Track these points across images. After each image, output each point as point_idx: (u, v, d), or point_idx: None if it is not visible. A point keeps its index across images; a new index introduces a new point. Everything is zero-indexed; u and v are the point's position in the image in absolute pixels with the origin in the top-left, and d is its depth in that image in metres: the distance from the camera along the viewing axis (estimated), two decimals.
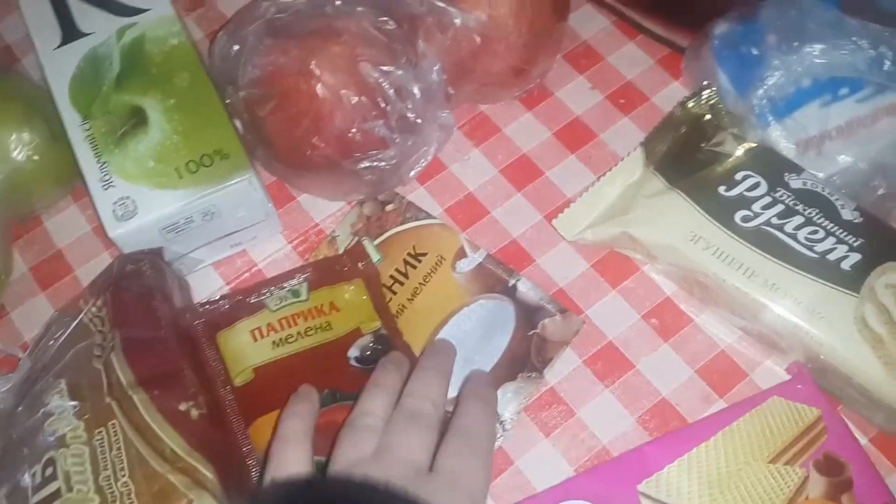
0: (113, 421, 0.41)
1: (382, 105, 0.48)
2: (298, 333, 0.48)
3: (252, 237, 0.53)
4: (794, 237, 0.47)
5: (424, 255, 0.52)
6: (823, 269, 0.46)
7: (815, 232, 0.47)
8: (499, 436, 0.48)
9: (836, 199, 0.48)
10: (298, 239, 0.54)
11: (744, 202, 0.48)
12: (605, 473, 0.45)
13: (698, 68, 0.56)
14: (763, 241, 0.47)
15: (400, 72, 0.48)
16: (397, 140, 0.48)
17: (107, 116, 0.49)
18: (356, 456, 0.39)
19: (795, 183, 0.48)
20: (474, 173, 0.56)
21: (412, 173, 0.51)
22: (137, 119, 0.49)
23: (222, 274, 0.53)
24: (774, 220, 0.47)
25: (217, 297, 0.49)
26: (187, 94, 0.50)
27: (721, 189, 0.49)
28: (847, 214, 0.47)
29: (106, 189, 0.47)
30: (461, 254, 0.52)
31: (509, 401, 0.48)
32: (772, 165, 0.49)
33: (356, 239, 0.53)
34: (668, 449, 0.45)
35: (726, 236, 0.47)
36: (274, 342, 0.48)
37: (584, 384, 0.49)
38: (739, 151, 0.50)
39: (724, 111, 0.52)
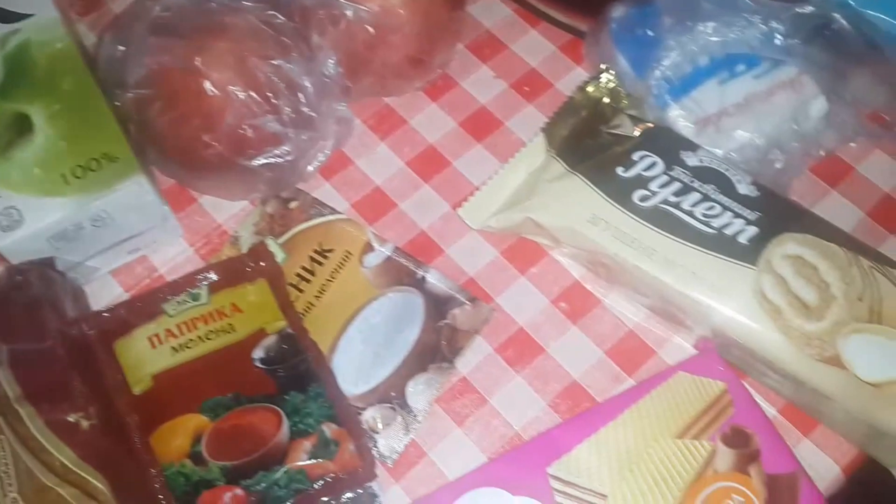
0: (1, 436, 0.39)
1: (274, 100, 0.47)
2: (199, 337, 0.47)
3: (151, 242, 0.51)
4: (691, 214, 0.47)
5: (331, 251, 0.51)
6: (721, 243, 0.46)
7: (712, 208, 0.47)
8: (412, 428, 0.47)
9: (733, 175, 0.48)
10: (201, 241, 0.53)
11: (641, 182, 0.48)
12: (514, 459, 0.45)
13: (598, 52, 0.56)
14: (661, 219, 0.47)
15: (290, 66, 0.47)
16: (291, 135, 0.47)
17: None
18: None
19: (692, 160, 0.49)
20: (381, 167, 0.55)
21: (310, 168, 0.51)
22: (22, 127, 0.47)
23: (122, 282, 0.52)
24: (671, 198, 0.48)
25: (113, 306, 0.48)
26: (73, 98, 0.48)
27: (619, 170, 0.49)
28: (743, 189, 0.48)
29: None
30: (368, 248, 0.51)
31: (421, 392, 0.48)
32: (668, 144, 0.49)
33: (260, 238, 0.52)
34: (576, 430, 0.44)
35: (625, 216, 0.47)
36: (173, 348, 0.46)
37: (496, 371, 0.49)
38: (637, 132, 0.50)
39: (622, 93, 0.53)
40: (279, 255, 0.50)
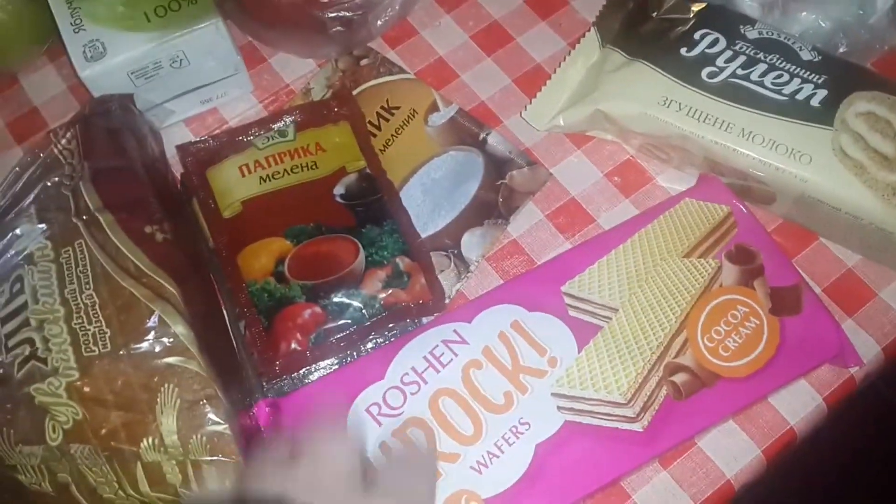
0: (79, 240, 0.42)
1: None
2: (285, 170, 0.49)
3: (223, 94, 0.54)
4: (761, 84, 0.48)
5: (398, 108, 0.53)
6: (795, 109, 0.47)
7: (780, 76, 0.48)
8: (462, 277, 0.49)
9: (794, 43, 0.49)
10: (269, 99, 0.55)
11: (707, 59, 0.49)
12: (530, 279, 0.47)
13: None
14: (732, 92, 0.48)
15: None
16: None
17: None
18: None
19: (752, 34, 0.49)
20: (445, 38, 0.57)
21: (379, 24, 0.52)
22: None
23: (194, 130, 0.54)
24: (739, 71, 0.48)
25: (206, 137, 0.50)
26: None
27: (682, 51, 0.49)
28: (806, 55, 0.48)
29: (76, 32, 0.48)
30: (433, 108, 0.53)
31: (475, 244, 0.50)
32: (727, 20, 0.50)
33: (331, 91, 0.54)
34: (588, 253, 0.47)
35: (697, 95, 0.48)
36: (261, 178, 0.49)
37: (546, 237, 0.51)
38: (691, 13, 0.50)
39: None
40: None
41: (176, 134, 0.54)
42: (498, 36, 0.57)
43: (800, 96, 0.47)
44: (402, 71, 0.54)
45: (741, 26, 0.49)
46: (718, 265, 0.46)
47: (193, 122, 0.54)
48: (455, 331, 0.45)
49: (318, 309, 0.45)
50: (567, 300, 0.45)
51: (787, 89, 0.47)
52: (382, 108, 0.53)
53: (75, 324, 0.40)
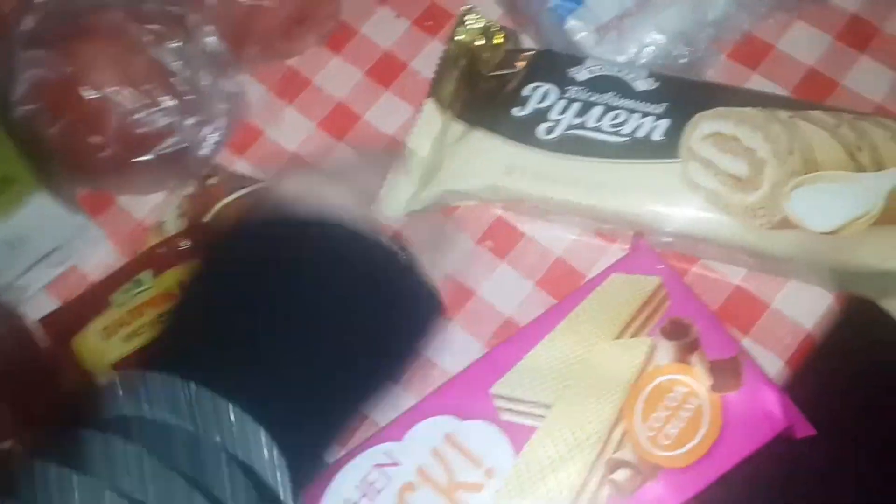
0: None
1: (154, 92, 0.46)
2: (150, 322, 0.47)
3: (77, 251, 0.52)
4: (598, 129, 0.46)
5: None
6: (637, 148, 0.45)
7: (617, 116, 0.46)
8: None
9: (627, 75, 0.47)
10: (126, 240, 0.53)
11: (540, 115, 0.47)
12: (457, 385, 0.45)
13: None
14: (572, 145, 0.46)
15: (165, 53, 0.46)
16: (178, 123, 0.47)
17: None
18: None
19: (582, 75, 0.47)
20: (292, 132, 0.55)
21: (209, 150, 0.50)
22: None
23: (58, 294, 0.52)
24: (575, 121, 0.46)
25: (63, 305, 0.49)
26: None
27: (514, 111, 0.47)
28: (642, 85, 0.46)
29: None
30: None
31: None
32: (555, 66, 0.48)
33: (186, 220, 0.52)
34: (516, 348, 0.45)
35: (537, 156, 0.46)
36: (125, 336, 0.47)
37: None
38: (520, 65, 0.48)
39: (493, 29, 0.51)
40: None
41: (39, 304, 0.52)
42: (345, 117, 0.55)
43: (640, 133, 0.45)
44: (253, 181, 0.52)
45: (570, 70, 0.47)
46: (653, 343, 0.43)
47: (55, 286, 0.53)
48: (386, 453, 0.43)
49: None
50: (498, 402, 0.43)
51: (626, 129, 0.45)
52: None
53: None
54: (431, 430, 0.43)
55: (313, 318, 0.35)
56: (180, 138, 0.47)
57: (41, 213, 0.47)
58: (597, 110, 0.46)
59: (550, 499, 0.41)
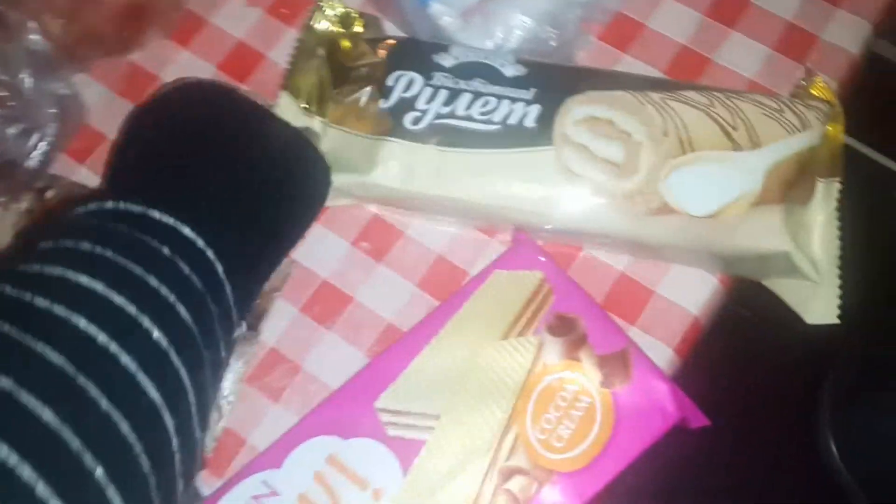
0: None
1: None
2: None
3: None
4: (469, 118, 0.43)
5: None
6: (510, 135, 0.43)
7: (487, 103, 0.43)
8: (223, 413, 0.44)
9: (494, 61, 0.45)
10: None
11: (406, 104, 0.44)
12: (341, 399, 0.42)
13: None
14: (442, 135, 0.43)
15: None
16: (1, 133, 0.41)
17: None
18: None
19: (448, 61, 0.44)
20: None
21: (38, 160, 0.45)
22: None
23: None
24: (443, 110, 0.43)
25: None
26: None
27: (381, 103, 0.44)
28: (510, 71, 0.44)
29: None
30: None
31: (227, 372, 0.44)
32: (418, 54, 0.45)
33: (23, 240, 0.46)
34: (398, 357, 0.42)
35: (406, 146, 0.43)
36: None
37: (305, 333, 0.46)
38: (382, 55, 0.45)
39: (353, 16, 0.47)
40: None
41: None
42: None
43: (512, 120, 0.43)
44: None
45: (434, 56, 0.45)
46: (540, 341, 0.41)
47: None
48: (264, 482, 0.40)
49: None
50: (383, 416, 0.40)
51: (497, 116, 0.43)
52: None
53: None
54: (312, 452, 0.40)
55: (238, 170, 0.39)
56: (2, 150, 0.42)
57: None
58: (465, 97, 0.43)
59: None
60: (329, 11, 0.47)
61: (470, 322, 0.42)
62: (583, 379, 0.41)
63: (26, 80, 0.42)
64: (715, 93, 0.44)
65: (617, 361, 0.41)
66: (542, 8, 0.47)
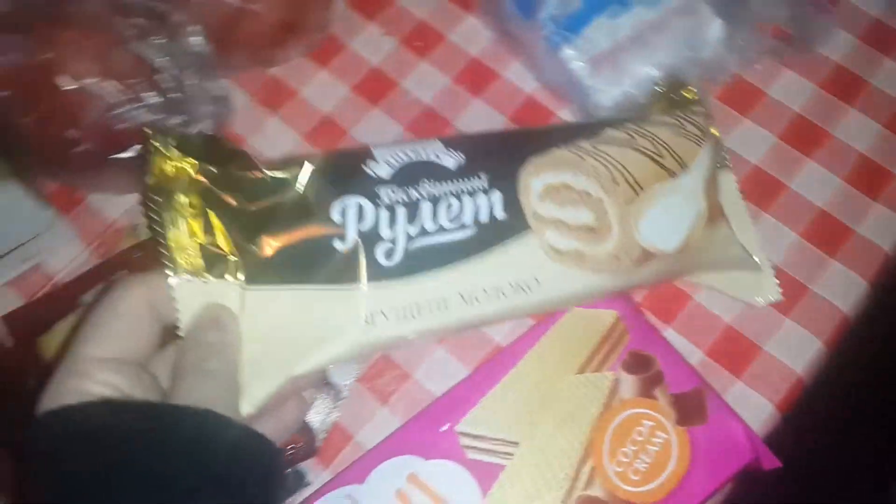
0: None
1: (136, 87, 0.44)
2: None
3: (43, 249, 0.49)
4: (441, 230, 0.37)
5: None
6: (487, 235, 0.38)
7: (450, 206, 0.37)
8: (335, 406, 0.46)
9: (428, 153, 0.39)
10: (96, 241, 0.50)
11: (370, 239, 0.36)
12: (423, 422, 0.43)
13: None
14: (423, 259, 0.36)
15: (149, 48, 0.44)
16: (161, 121, 0.45)
17: None
18: None
19: (383, 170, 0.37)
20: (275, 142, 0.53)
21: None
22: None
23: (21, 292, 0.49)
24: (411, 230, 0.36)
25: (27, 304, 0.47)
26: None
27: (336, 245, 0.35)
28: (449, 161, 0.38)
29: None
30: None
31: (344, 367, 0.46)
32: (345, 171, 0.37)
33: None
34: (478, 384, 0.43)
35: (392, 290, 0.36)
36: None
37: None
38: (305, 184, 0.36)
39: (220, 143, 0.37)
40: None
41: (1, 300, 0.49)
42: (330, 131, 0.53)
43: (482, 216, 0.37)
44: None
45: (364, 167, 0.37)
46: (615, 377, 0.43)
47: (17, 283, 0.49)
48: (349, 496, 0.41)
49: None
50: (463, 440, 0.42)
51: (467, 217, 0.37)
52: None
53: None
54: (395, 470, 0.42)
55: None
56: None
57: (9, 204, 0.45)
58: (426, 207, 0.37)
59: None
60: (168, 149, 0.34)
61: (546, 356, 0.44)
62: (659, 416, 0.42)
63: (188, 76, 0.46)
64: (626, 124, 0.43)
65: (692, 400, 0.43)
66: (668, 62, 0.49)
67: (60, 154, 0.45)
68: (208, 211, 0.34)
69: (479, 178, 0.38)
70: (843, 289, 0.48)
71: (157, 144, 0.34)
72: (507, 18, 0.51)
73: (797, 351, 0.47)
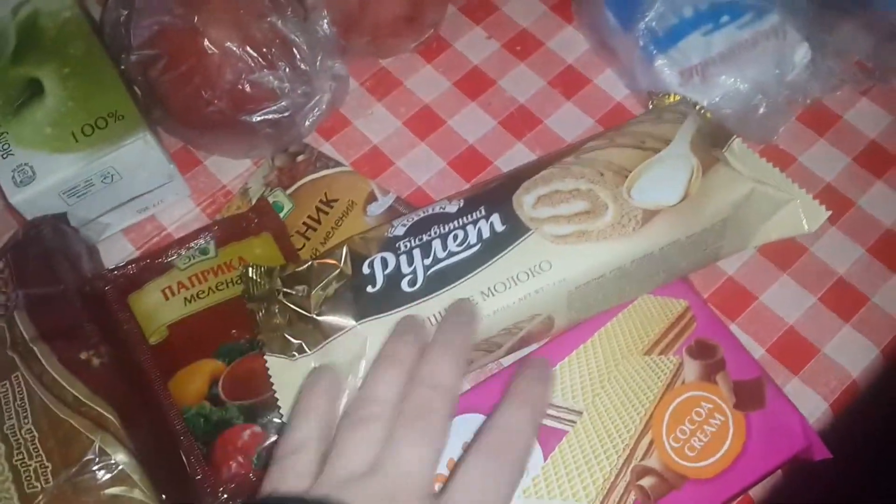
0: (16, 373, 0.41)
1: (270, 56, 0.49)
2: (210, 289, 0.49)
3: (159, 201, 0.54)
4: (451, 254, 0.44)
5: (336, 200, 0.53)
6: (494, 245, 0.43)
7: (456, 237, 0.44)
8: None
9: (434, 208, 0.46)
10: (207, 201, 0.55)
11: (394, 278, 0.43)
12: (492, 386, 0.46)
13: (587, 10, 0.58)
14: (442, 278, 0.43)
15: (285, 23, 0.49)
16: (288, 91, 0.49)
17: (3, 90, 0.50)
18: (350, 469, 0.34)
19: (398, 230, 0.45)
20: (378, 126, 0.57)
21: (308, 123, 0.53)
22: (34, 90, 0.50)
23: (132, 240, 0.54)
24: (427, 262, 0.44)
25: (124, 263, 0.50)
26: (80, 62, 0.51)
27: (370, 289, 0.43)
28: (452, 207, 0.45)
29: (4, 157, 0.48)
30: (371, 198, 0.53)
31: None
32: (367, 245, 0.45)
33: (269, 189, 0.54)
34: (550, 355, 0.46)
35: (416, 309, 0.43)
36: (186, 299, 0.48)
37: None
38: (334, 263, 0.44)
39: (272, 267, 0.45)
40: (287, 205, 0.52)
41: (114, 245, 0.54)
42: (430, 120, 0.57)
43: (485, 235, 0.44)
44: (338, 164, 0.55)
45: (387, 233, 0.45)
46: (680, 361, 0.46)
47: (131, 231, 0.54)
48: None
49: (257, 429, 0.44)
50: None
51: (472, 238, 0.44)
52: (321, 202, 0.53)
53: (16, 460, 0.40)
54: (465, 426, 0.43)
55: None
56: (287, 105, 0.50)
57: (141, 152, 0.49)
58: (437, 243, 0.44)
59: (578, 500, 0.42)
60: (257, 277, 0.45)
61: (616, 336, 0.47)
62: (718, 400, 0.45)
63: (316, 54, 0.50)
64: (607, 133, 0.48)
65: (752, 388, 0.45)
66: (756, 78, 0.52)
67: (194, 112, 0.50)
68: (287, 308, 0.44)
69: (479, 211, 0.45)
70: None
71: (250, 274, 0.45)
72: (605, 28, 0.55)
73: (855, 356, 0.49)
